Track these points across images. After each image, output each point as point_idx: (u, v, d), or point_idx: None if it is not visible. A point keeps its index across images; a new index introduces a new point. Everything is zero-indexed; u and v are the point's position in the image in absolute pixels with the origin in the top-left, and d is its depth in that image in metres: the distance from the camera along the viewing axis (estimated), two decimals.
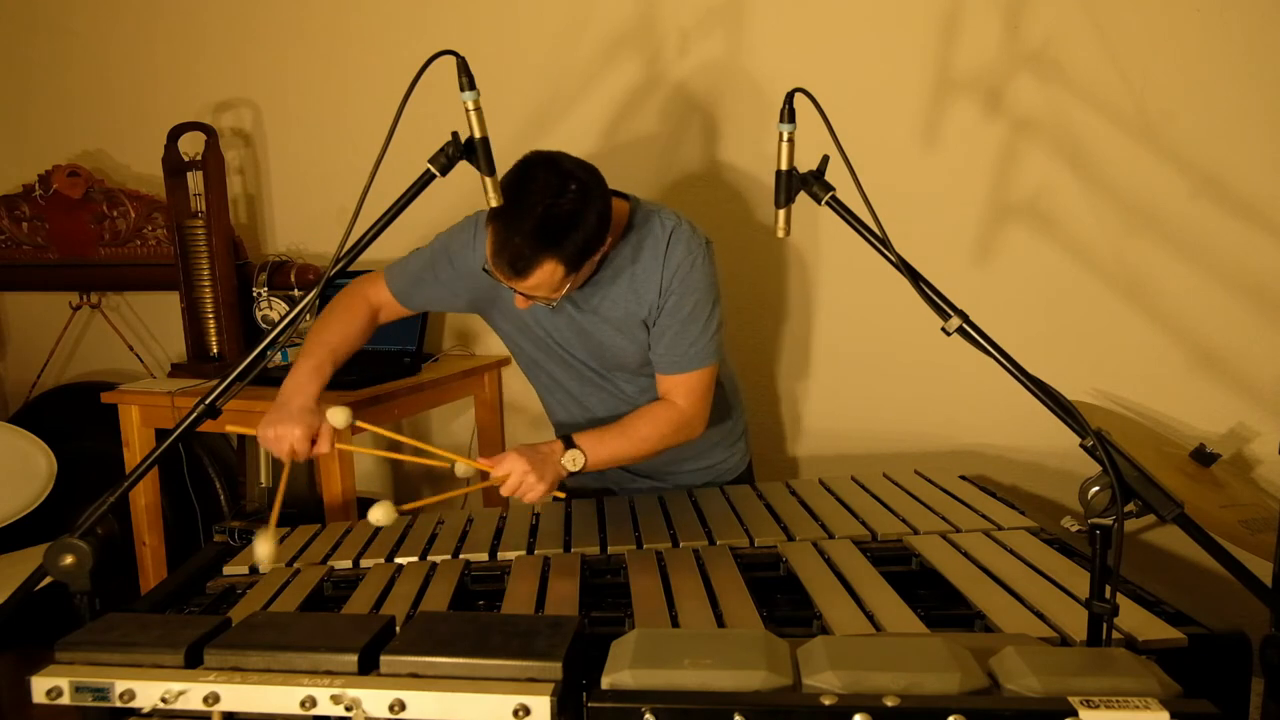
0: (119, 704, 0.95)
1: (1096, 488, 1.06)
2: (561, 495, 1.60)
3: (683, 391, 1.70)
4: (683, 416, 1.70)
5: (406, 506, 1.45)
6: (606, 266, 1.66)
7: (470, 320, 2.76)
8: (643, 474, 1.91)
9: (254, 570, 1.59)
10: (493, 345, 2.71)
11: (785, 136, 1.30)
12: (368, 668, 0.95)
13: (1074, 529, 1.58)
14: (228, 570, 1.60)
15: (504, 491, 1.52)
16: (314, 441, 1.51)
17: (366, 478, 2.92)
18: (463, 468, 1.50)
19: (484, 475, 1.53)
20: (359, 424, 1.56)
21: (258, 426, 1.50)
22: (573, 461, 1.57)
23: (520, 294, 1.57)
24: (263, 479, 2.76)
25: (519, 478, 1.50)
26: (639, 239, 1.67)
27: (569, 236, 1.49)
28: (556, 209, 1.47)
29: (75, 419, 2.89)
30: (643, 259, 1.66)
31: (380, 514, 1.34)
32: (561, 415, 1.91)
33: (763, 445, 2.45)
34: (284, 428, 1.49)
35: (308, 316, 1.41)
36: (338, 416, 1.46)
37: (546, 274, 1.50)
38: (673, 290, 1.65)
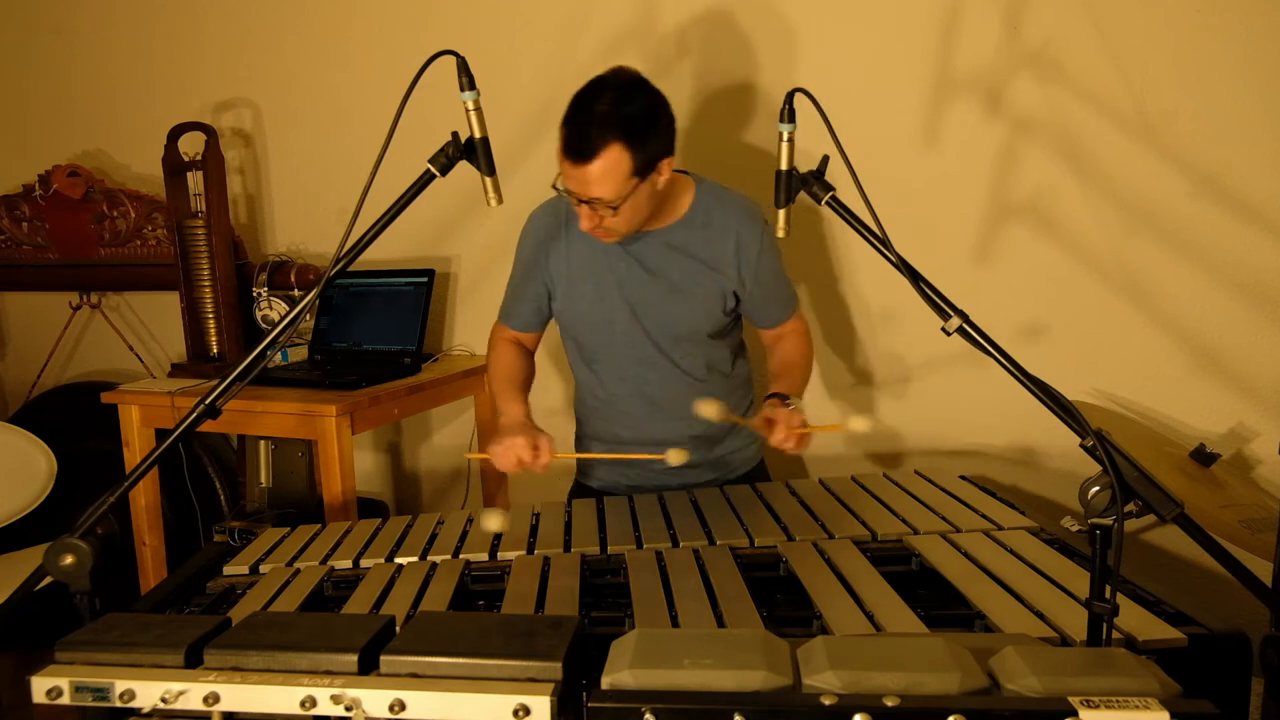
0: (119, 704, 0.95)
1: (1096, 488, 1.06)
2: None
3: (793, 325, 1.92)
4: (802, 331, 1.94)
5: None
6: (677, 232, 1.77)
7: (471, 320, 2.76)
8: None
9: (254, 570, 1.59)
10: None
11: (785, 136, 1.30)
12: (368, 668, 0.95)
13: (1074, 529, 1.58)
14: (228, 570, 1.60)
15: (789, 447, 1.61)
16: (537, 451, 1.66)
17: (366, 478, 2.92)
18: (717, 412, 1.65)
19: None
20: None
21: (489, 449, 1.69)
22: (796, 405, 1.69)
23: (583, 204, 1.62)
24: (263, 479, 2.76)
25: (793, 432, 1.61)
26: (707, 209, 1.78)
27: (639, 128, 1.57)
28: (628, 100, 1.57)
29: (75, 419, 2.89)
30: (714, 228, 1.78)
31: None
32: (607, 407, 1.93)
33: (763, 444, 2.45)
34: (510, 441, 1.66)
35: (308, 316, 1.42)
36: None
37: (613, 160, 1.55)
38: (763, 265, 1.80)
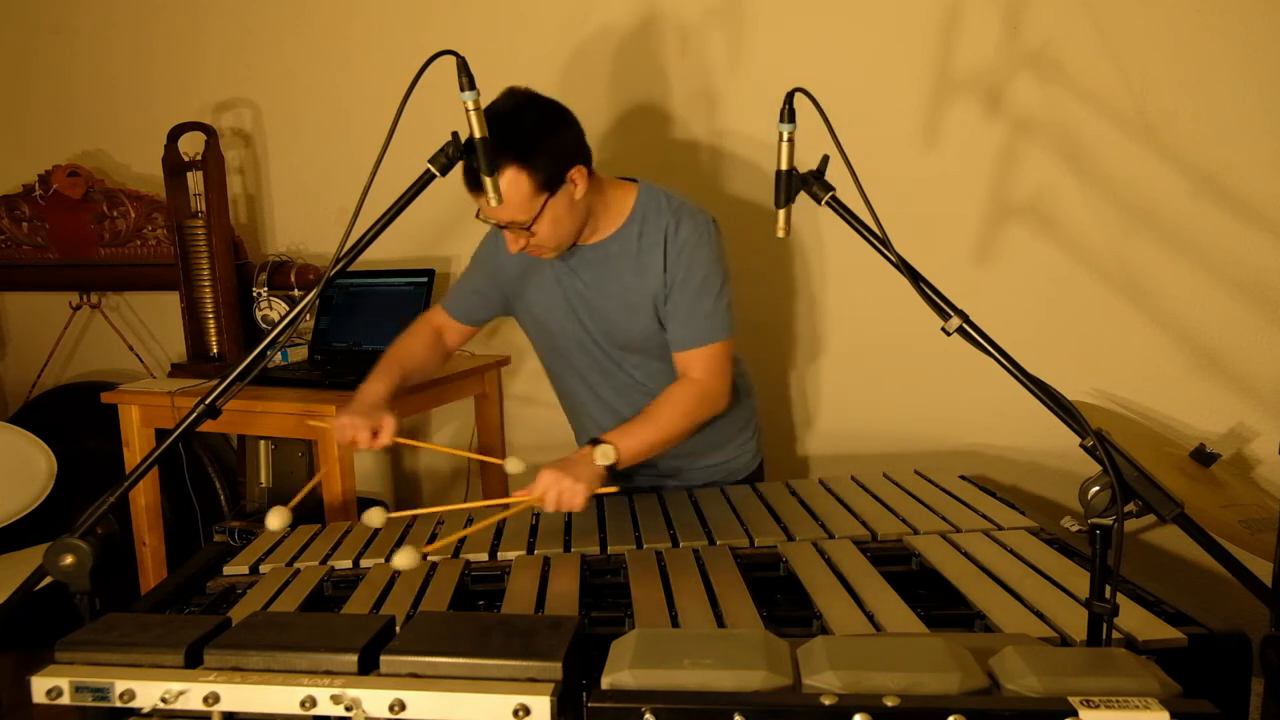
0: (119, 704, 0.95)
1: (1096, 488, 1.06)
2: (614, 489, 1.58)
3: (699, 365, 1.71)
4: (702, 389, 1.70)
5: (428, 547, 1.49)
6: (614, 240, 1.73)
7: None
8: (663, 473, 1.92)
9: (254, 570, 1.59)
10: (492, 345, 2.71)
11: (785, 136, 1.30)
12: (368, 668, 0.95)
13: (1074, 529, 1.58)
14: (228, 570, 1.60)
15: (548, 508, 1.49)
16: (375, 434, 1.63)
17: (366, 478, 2.92)
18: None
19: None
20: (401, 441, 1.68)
21: (332, 420, 1.66)
22: (603, 456, 1.55)
23: (505, 230, 1.62)
24: (262, 479, 2.76)
25: (555, 488, 1.48)
26: (644, 217, 1.73)
27: (531, 146, 1.54)
28: (518, 122, 1.54)
29: (75, 419, 2.89)
30: (647, 235, 1.71)
31: (403, 559, 1.34)
32: (574, 406, 1.94)
33: (767, 445, 2.44)
34: (350, 418, 1.63)
35: (308, 316, 1.42)
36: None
37: (509, 182, 1.53)
38: (681, 266, 1.69)
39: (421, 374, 1.90)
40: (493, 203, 1.38)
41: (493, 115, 1.47)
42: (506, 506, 1.56)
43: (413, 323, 1.97)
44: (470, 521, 1.72)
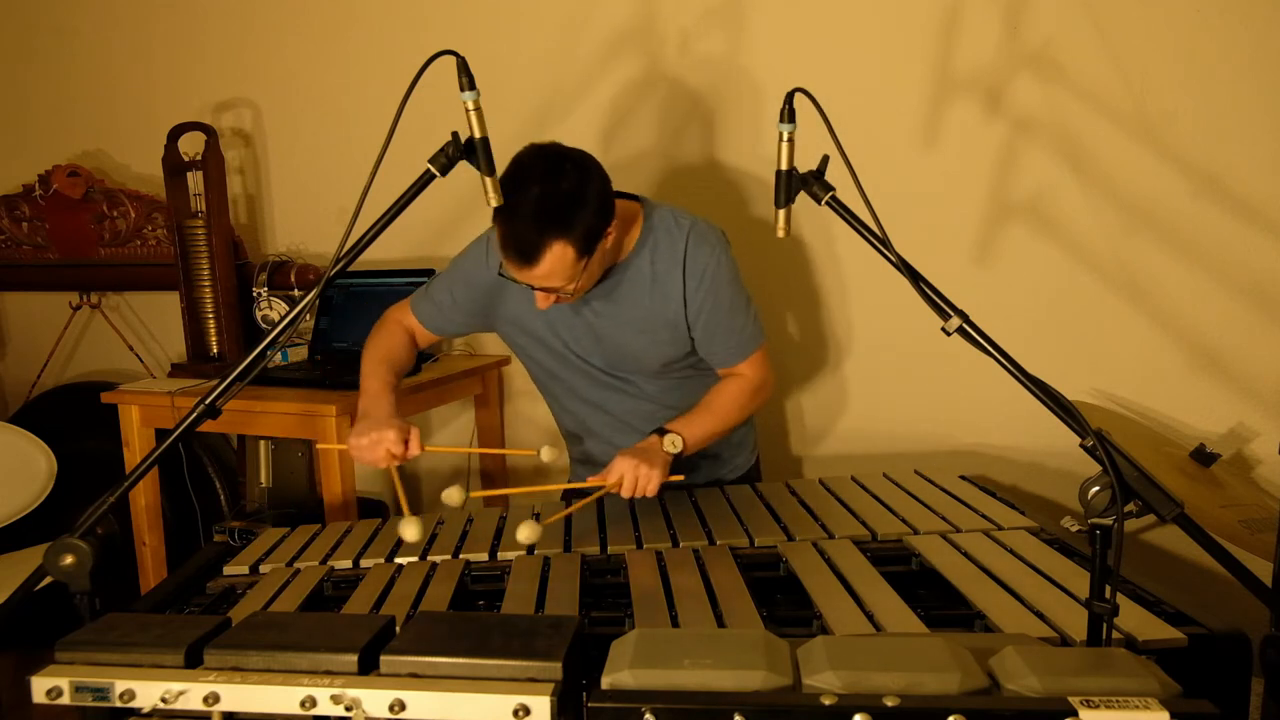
0: (119, 704, 0.95)
1: (1096, 488, 1.06)
2: (680, 478, 1.66)
3: (745, 368, 1.79)
4: (753, 382, 1.79)
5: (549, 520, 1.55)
6: (625, 268, 1.70)
7: None
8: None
9: (254, 570, 1.59)
10: (492, 345, 2.71)
11: (785, 136, 1.30)
12: (368, 668, 0.95)
13: (1074, 529, 1.58)
14: (228, 570, 1.60)
15: (625, 493, 1.58)
16: (406, 444, 1.61)
17: (366, 478, 2.92)
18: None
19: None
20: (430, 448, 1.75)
21: (348, 440, 1.60)
22: (672, 445, 1.65)
23: (539, 290, 1.58)
24: (262, 479, 2.76)
25: (632, 474, 1.57)
26: (655, 239, 1.70)
27: (574, 215, 1.51)
28: (554, 189, 1.50)
29: (75, 419, 2.89)
30: (660, 258, 1.70)
31: (525, 532, 1.49)
32: (576, 424, 1.93)
33: (764, 445, 2.45)
34: (376, 434, 1.58)
35: (308, 316, 1.42)
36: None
37: (557, 258, 1.51)
38: (707, 295, 1.69)
39: (404, 374, 1.87)
40: (492, 203, 1.37)
41: (527, 179, 1.48)
42: (586, 493, 1.63)
43: (383, 320, 1.90)
44: (539, 514, 1.72)
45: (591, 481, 1.61)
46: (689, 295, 1.69)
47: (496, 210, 1.44)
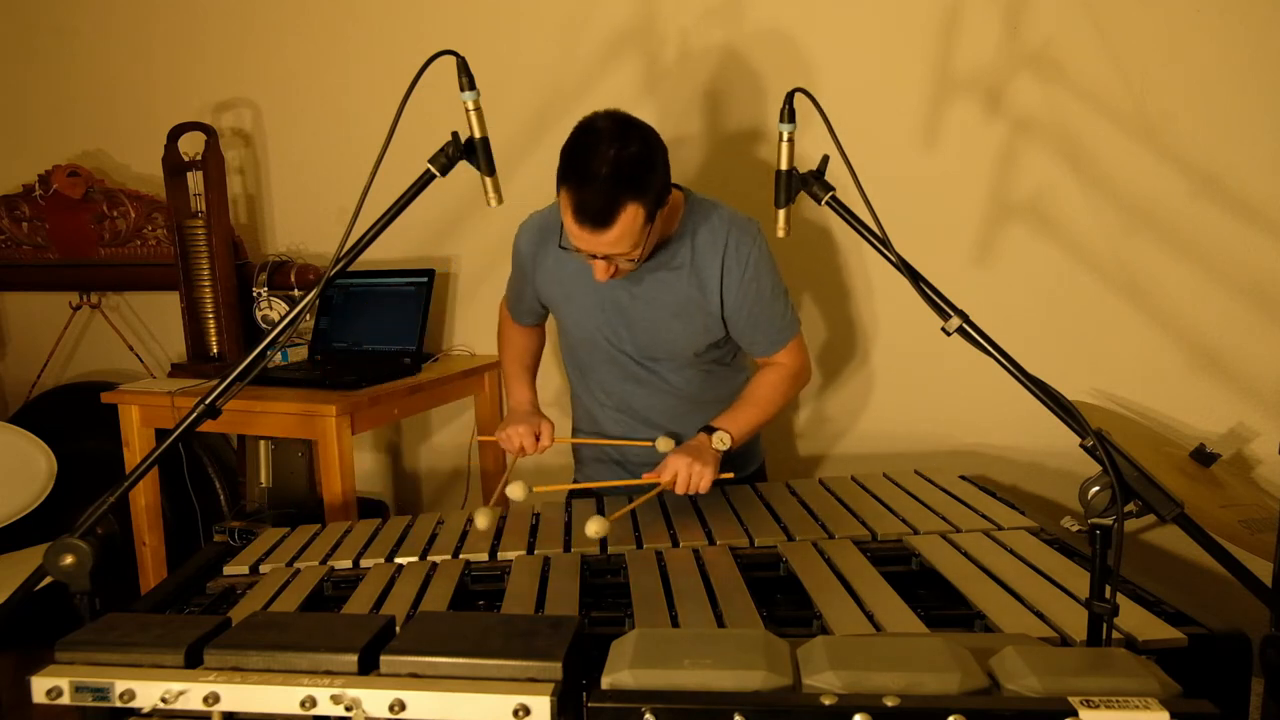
0: (119, 704, 0.95)
1: (1096, 488, 1.06)
2: (730, 475, 1.71)
3: (784, 356, 1.83)
4: (791, 370, 1.83)
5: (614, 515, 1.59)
6: (664, 251, 1.72)
7: (471, 319, 2.76)
8: None
9: (254, 570, 1.59)
10: (492, 345, 2.71)
11: (785, 136, 1.30)
12: (368, 668, 0.95)
13: (1074, 529, 1.58)
14: (228, 570, 1.60)
15: (679, 490, 1.63)
16: (538, 438, 1.81)
17: (366, 478, 2.92)
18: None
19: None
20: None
21: (498, 433, 1.84)
22: (720, 442, 1.69)
23: (600, 259, 1.59)
24: (262, 479, 2.76)
25: (685, 471, 1.62)
26: (695, 226, 1.73)
27: (646, 178, 1.53)
28: (628, 152, 1.50)
29: (75, 419, 2.89)
30: (700, 246, 1.72)
31: (595, 526, 1.52)
32: (590, 423, 1.95)
33: (765, 446, 2.44)
34: (511, 429, 1.81)
35: (308, 316, 1.42)
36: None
37: (630, 220, 1.52)
38: (749, 285, 1.72)
39: (538, 362, 2.04)
40: (491, 203, 1.37)
41: (598, 141, 1.50)
42: (642, 490, 1.69)
43: (504, 321, 2.05)
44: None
45: (647, 479, 1.66)
46: (728, 284, 1.71)
47: (562, 176, 1.51)
